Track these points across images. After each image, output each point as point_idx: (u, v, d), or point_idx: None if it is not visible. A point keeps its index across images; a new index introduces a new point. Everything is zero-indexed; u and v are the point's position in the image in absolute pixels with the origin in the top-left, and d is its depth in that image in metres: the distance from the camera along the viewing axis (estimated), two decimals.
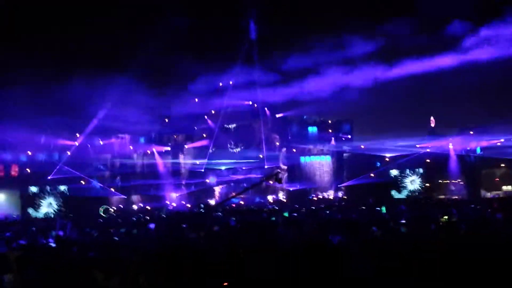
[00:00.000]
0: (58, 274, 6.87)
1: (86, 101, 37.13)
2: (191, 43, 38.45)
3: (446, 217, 11.04)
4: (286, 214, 21.80)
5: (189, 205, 39.39)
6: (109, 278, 6.40)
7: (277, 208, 30.77)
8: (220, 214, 24.60)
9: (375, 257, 7.05)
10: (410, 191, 39.40)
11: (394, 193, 39.54)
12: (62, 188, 38.63)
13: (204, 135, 44.86)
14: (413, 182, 39.50)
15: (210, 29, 38.03)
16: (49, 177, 39.23)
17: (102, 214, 35.80)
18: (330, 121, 45.41)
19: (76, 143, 40.87)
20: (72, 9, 35.47)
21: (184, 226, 15.36)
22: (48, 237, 13.88)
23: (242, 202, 38.90)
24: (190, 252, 8.72)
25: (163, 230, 15.44)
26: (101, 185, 40.59)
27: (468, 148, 40.05)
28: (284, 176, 42.24)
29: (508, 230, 11.30)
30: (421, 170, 39.38)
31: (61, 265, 7.73)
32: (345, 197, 40.85)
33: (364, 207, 27.74)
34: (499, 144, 39.26)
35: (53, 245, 12.12)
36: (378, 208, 24.90)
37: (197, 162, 44.02)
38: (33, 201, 37.79)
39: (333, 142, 43.74)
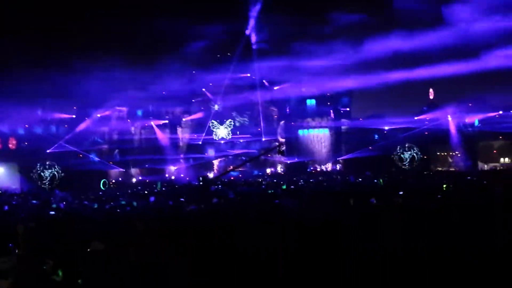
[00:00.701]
0: (62, 244, 6.95)
1: (84, 76, 36.82)
2: (192, 12, 37.80)
3: (444, 186, 11.14)
4: (284, 187, 21.98)
5: (187, 178, 39.57)
6: (111, 249, 6.47)
7: (275, 181, 30.90)
8: (219, 187, 24.72)
9: (373, 227, 7.14)
10: (408, 163, 39.67)
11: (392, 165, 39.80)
12: (61, 161, 38.71)
13: (202, 108, 44.71)
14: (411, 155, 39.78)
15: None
16: (48, 151, 39.25)
17: (102, 187, 36.00)
18: (328, 94, 44.96)
19: (73, 116, 40.77)
20: None
21: (182, 199, 15.44)
22: (48, 210, 13.95)
23: (240, 176, 39.04)
24: (190, 223, 8.84)
25: (161, 203, 15.50)
26: (99, 159, 40.66)
27: (466, 120, 40.08)
28: (282, 149, 42.35)
29: (503, 202, 11.44)
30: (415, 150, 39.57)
31: (64, 236, 7.81)
32: (343, 170, 41.02)
33: (361, 180, 27.93)
34: (497, 116, 39.30)
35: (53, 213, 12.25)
36: (376, 180, 25.10)
37: (195, 135, 44.03)
38: (32, 174, 37.88)
39: (331, 115, 43.65)
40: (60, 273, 5.53)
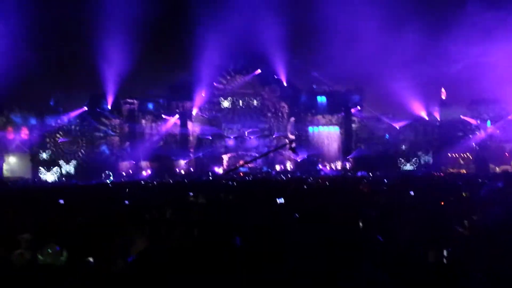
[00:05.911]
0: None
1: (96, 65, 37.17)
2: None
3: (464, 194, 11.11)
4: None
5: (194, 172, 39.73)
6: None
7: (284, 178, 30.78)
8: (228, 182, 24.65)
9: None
10: (419, 163, 39.64)
11: (402, 165, 39.71)
12: (72, 152, 39.25)
13: (213, 103, 44.56)
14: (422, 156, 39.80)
15: None
16: (59, 141, 39.61)
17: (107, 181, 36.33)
18: (340, 91, 44.42)
19: (85, 108, 40.98)
20: None
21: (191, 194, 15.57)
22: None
23: (248, 171, 38.93)
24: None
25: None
26: (110, 151, 40.90)
27: (478, 122, 39.71)
28: (293, 146, 42.15)
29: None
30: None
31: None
32: (352, 167, 40.75)
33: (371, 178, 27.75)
34: (509, 118, 38.90)
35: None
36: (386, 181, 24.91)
37: (205, 129, 43.99)
38: (44, 165, 38.29)
39: (342, 113, 43.32)
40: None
